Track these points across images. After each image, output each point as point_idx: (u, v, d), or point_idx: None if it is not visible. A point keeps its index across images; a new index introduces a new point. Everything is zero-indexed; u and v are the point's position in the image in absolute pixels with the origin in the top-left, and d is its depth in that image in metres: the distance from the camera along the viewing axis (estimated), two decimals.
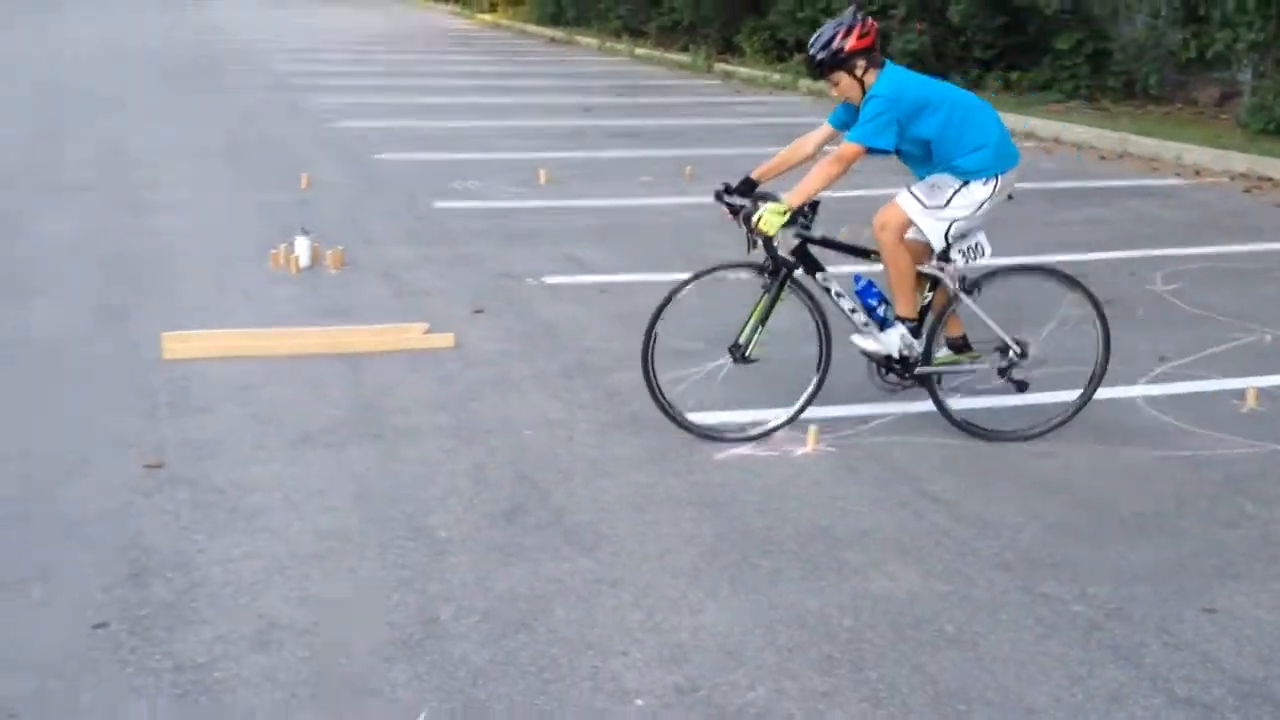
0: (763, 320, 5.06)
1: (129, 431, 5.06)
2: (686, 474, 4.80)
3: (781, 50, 20.13)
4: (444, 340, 6.38)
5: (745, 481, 4.74)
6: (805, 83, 17.43)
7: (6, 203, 9.30)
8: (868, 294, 5.14)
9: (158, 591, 3.80)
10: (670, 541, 4.23)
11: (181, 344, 6.09)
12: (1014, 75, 16.37)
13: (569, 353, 6.29)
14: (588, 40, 26.07)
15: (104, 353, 6.02)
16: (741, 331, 5.08)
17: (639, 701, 3.29)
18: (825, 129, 5.24)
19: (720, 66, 20.53)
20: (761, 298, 5.07)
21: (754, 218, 4.81)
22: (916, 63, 17.27)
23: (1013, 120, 14.84)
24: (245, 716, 3.18)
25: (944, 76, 17.12)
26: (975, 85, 16.95)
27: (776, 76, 18.93)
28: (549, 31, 28.43)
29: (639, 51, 23.30)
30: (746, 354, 5.07)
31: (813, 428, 5.11)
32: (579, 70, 21.06)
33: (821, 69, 4.97)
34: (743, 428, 5.17)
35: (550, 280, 7.73)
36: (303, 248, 7.76)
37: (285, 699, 3.26)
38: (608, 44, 25.09)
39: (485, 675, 3.40)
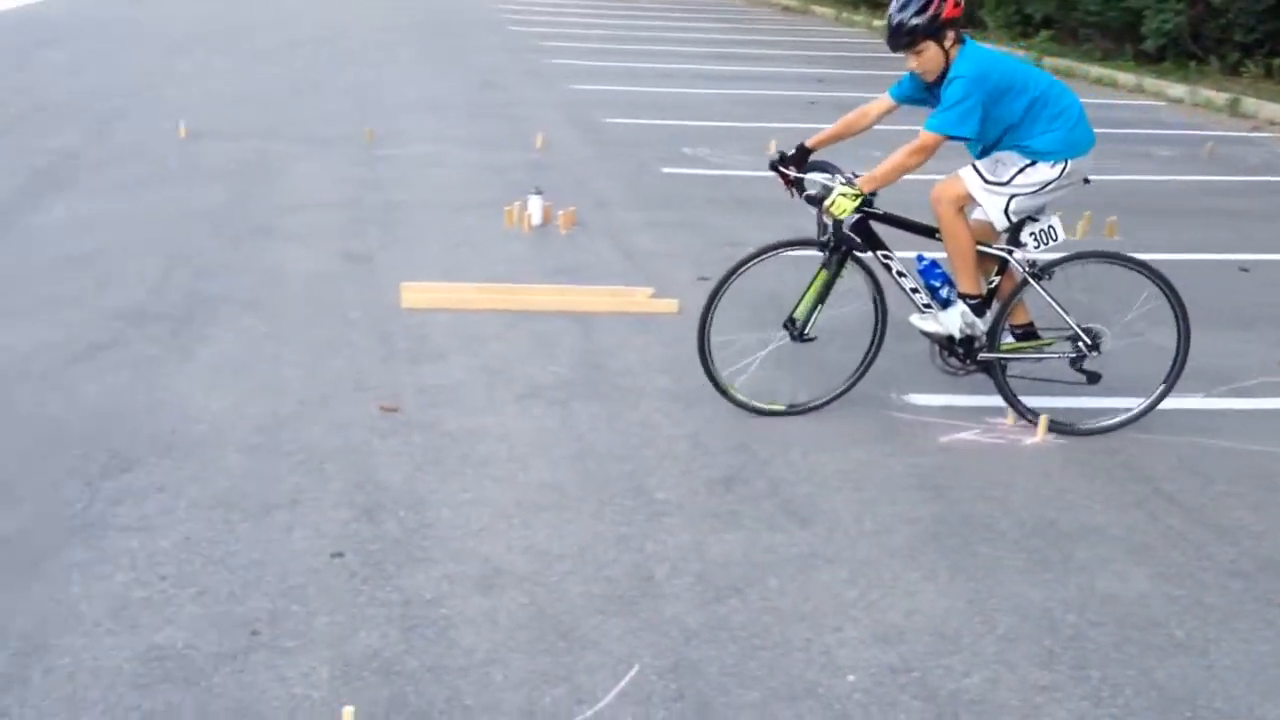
0: (821, 298, 4.94)
1: (368, 374, 5.30)
2: (907, 455, 4.73)
3: (1026, 27, 19.48)
4: (668, 305, 6.44)
5: (968, 467, 4.64)
6: (1050, 60, 16.82)
7: (270, 151, 9.82)
8: (930, 274, 4.98)
9: (390, 528, 3.98)
10: (888, 521, 4.18)
11: (420, 294, 6.32)
12: (1276, 62, 15.42)
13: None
14: (824, 10, 25.76)
15: (348, 299, 6.30)
16: (796, 307, 4.99)
17: (850, 678, 3.27)
18: (885, 101, 5.05)
19: None
20: (819, 274, 4.95)
21: (827, 201, 4.69)
22: (1172, 44, 16.46)
23: (1271, 110, 13.97)
24: (467, 654, 3.30)
25: (1201, 60, 16.29)
26: (1234, 71, 16.02)
27: (1021, 53, 18.32)
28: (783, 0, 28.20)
29: (876, 24, 22.89)
30: (804, 332, 4.96)
31: (1044, 417, 4.95)
32: (813, 40, 20.85)
33: (913, 36, 4.63)
34: (793, 406, 5.08)
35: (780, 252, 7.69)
36: (535, 207, 7.95)
37: (505, 639, 3.37)
38: (844, 14, 24.74)
39: (697, 637, 3.44)
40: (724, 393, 5.03)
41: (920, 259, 5.02)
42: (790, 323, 5.00)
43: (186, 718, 2.97)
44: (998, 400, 5.07)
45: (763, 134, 11.60)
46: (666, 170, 10.08)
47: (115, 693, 3.06)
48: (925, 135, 4.67)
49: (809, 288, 4.99)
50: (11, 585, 3.51)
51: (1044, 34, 18.80)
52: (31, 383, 4.98)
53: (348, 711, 2.90)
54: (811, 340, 5.00)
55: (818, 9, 26.09)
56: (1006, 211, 4.79)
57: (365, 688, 3.11)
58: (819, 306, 4.97)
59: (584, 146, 10.90)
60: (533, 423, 4.88)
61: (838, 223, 4.88)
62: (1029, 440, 4.90)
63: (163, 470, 4.29)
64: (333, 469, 4.38)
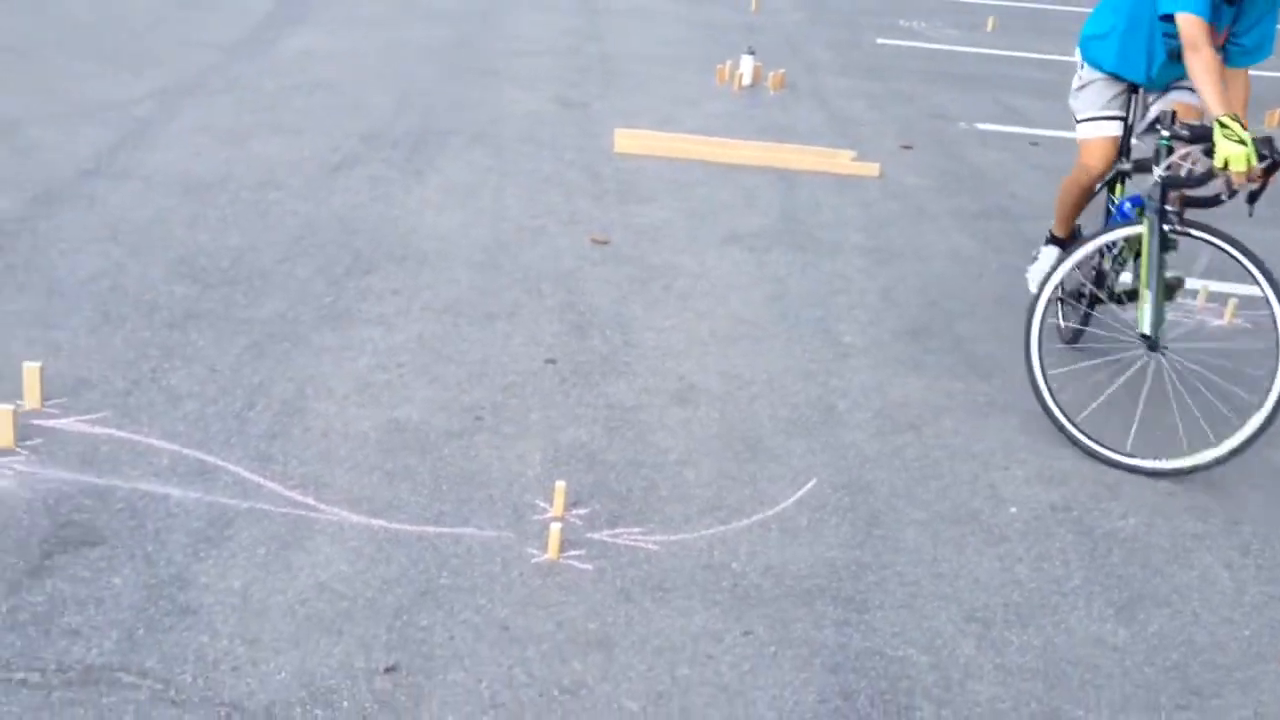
0: (1167, 291, 3.96)
1: (581, 209, 5.66)
2: None
3: None
4: (870, 169, 6.61)
5: None
6: None
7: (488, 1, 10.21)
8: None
9: (596, 344, 4.36)
10: (1064, 380, 4.36)
11: (632, 140, 6.64)
12: None
13: (991, 196, 6.38)
14: None
15: (565, 140, 6.66)
16: (1140, 315, 3.89)
17: (1013, 509, 3.53)
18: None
19: None
20: (1146, 257, 3.88)
21: (1217, 160, 3.57)
22: None
23: None
24: (662, 452, 3.68)
25: None
26: None
27: None
28: None
29: None
30: (1156, 342, 3.91)
31: (1232, 300, 5.01)
32: None
33: None
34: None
35: (982, 126, 7.76)
36: (747, 66, 8.13)
37: (697, 446, 3.73)
38: None
39: (872, 462, 3.74)
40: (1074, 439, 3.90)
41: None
42: (1143, 338, 3.92)
43: (422, 478, 3.43)
44: (1192, 281, 5.14)
45: (982, 10, 11.45)
46: (880, 41, 10.10)
47: (361, 452, 3.54)
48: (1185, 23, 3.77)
49: (1144, 284, 3.88)
50: (274, 357, 4.02)
51: None
52: (286, 190, 5.50)
53: (559, 486, 3.30)
54: (1165, 351, 3.99)
55: None
56: None
57: (572, 472, 3.51)
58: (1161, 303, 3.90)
59: (799, 11, 10.95)
60: (732, 264, 5.19)
61: (1165, 188, 3.86)
62: (1216, 323, 4.98)
63: (399, 276, 4.75)
64: (547, 288, 4.78)
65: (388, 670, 2.69)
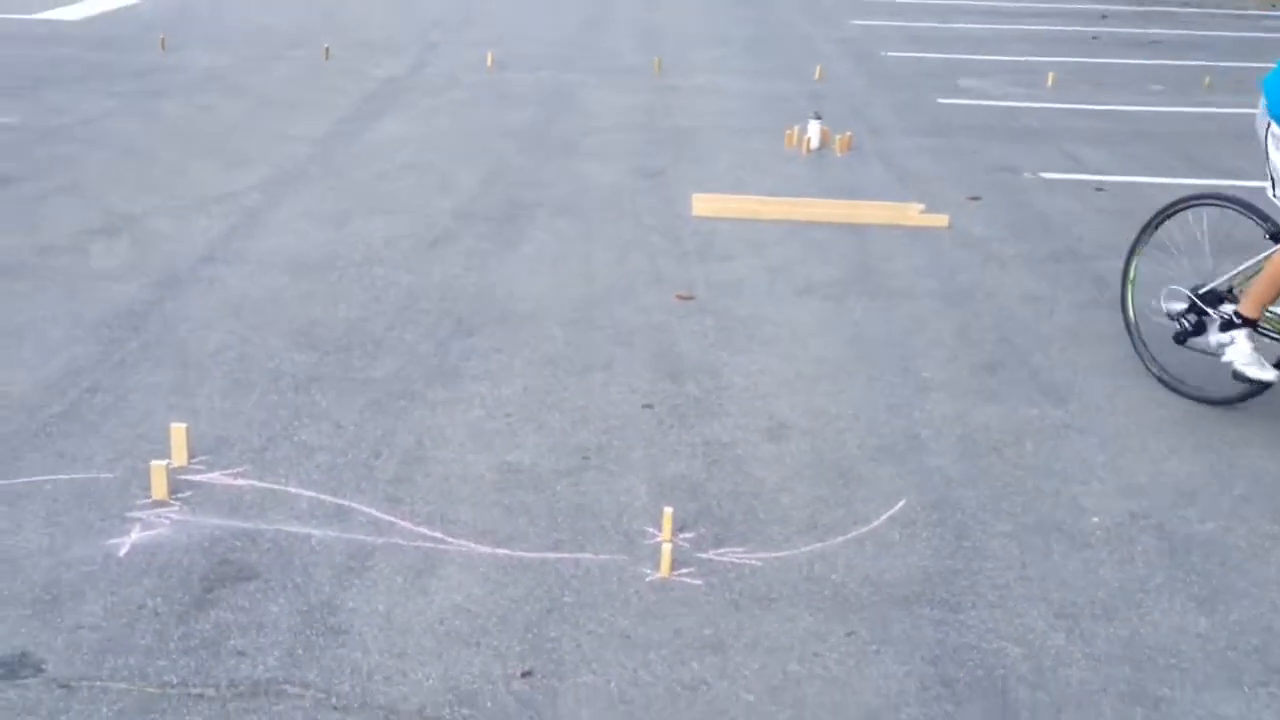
0: None
1: (665, 270, 5.98)
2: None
3: None
4: (939, 220, 6.86)
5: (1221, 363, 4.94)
6: None
7: (567, 80, 10.67)
8: None
9: (690, 389, 4.64)
10: (1140, 404, 4.57)
11: (708, 203, 6.97)
12: None
13: (1058, 240, 6.60)
14: None
15: (644, 207, 7.00)
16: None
17: (1095, 519, 3.73)
18: None
19: None
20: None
21: None
22: None
23: None
24: (759, 483, 3.93)
25: None
26: None
27: None
28: None
29: None
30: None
31: None
32: None
33: None
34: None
35: (1047, 175, 7.99)
36: (814, 131, 8.46)
37: (791, 475, 3.98)
38: None
39: (957, 482, 3.96)
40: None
41: None
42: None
43: (538, 512, 3.71)
44: None
45: (1041, 67, 11.72)
46: (941, 100, 10.39)
47: (481, 492, 3.83)
48: None
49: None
50: (393, 413, 4.34)
51: None
52: (388, 265, 5.88)
53: (667, 512, 3.57)
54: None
55: None
56: None
57: (677, 501, 3.77)
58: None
59: (861, 78, 11.30)
60: (810, 312, 5.45)
61: None
62: None
63: (499, 336, 5.08)
64: (639, 341, 5.08)
65: (524, 675, 2.96)
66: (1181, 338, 4.70)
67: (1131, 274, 5.02)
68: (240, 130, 8.54)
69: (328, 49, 11.42)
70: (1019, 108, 10.11)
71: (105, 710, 2.77)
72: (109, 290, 5.40)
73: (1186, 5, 16.87)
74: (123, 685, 2.86)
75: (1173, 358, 4.77)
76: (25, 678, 2.87)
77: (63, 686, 2.85)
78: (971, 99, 10.47)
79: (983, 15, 15.40)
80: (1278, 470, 4.06)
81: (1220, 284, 4.67)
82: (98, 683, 2.86)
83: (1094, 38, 14.04)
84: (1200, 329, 4.64)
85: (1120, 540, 3.61)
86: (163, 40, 11.40)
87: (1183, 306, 4.71)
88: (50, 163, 7.41)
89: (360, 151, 8.06)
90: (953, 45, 13.15)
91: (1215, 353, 4.53)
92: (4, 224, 6.24)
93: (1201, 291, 4.67)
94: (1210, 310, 4.60)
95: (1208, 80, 11.03)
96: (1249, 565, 3.50)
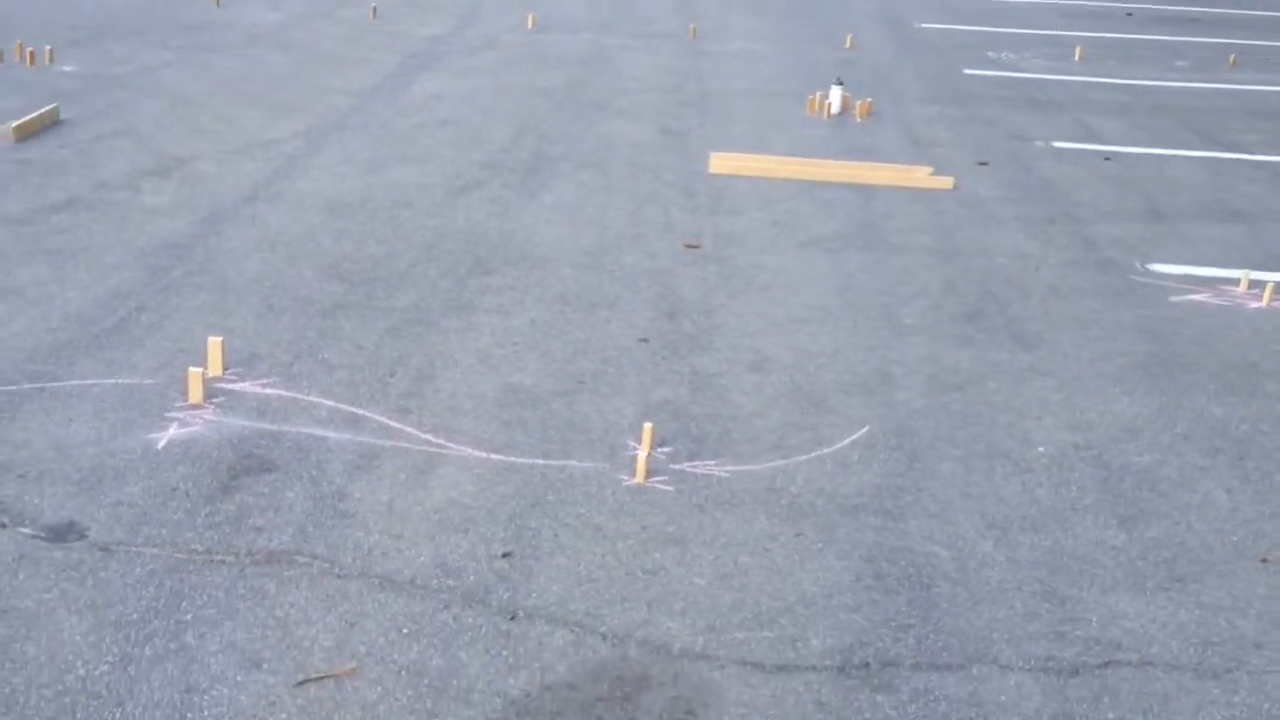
0: None
1: (676, 220, 6.33)
2: (1138, 307, 5.37)
3: None
4: (944, 182, 7.17)
5: (1191, 319, 5.25)
6: None
7: (604, 44, 11.01)
8: None
9: (685, 326, 5.01)
10: (1104, 353, 4.88)
11: (725, 162, 7.31)
12: None
13: (1057, 204, 6.89)
14: None
15: (664, 163, 7.36)
16: None
17: (1040, 449, 4.07)
18: None
19: None
20: None
21: None
22: None
23: None
24: (737, 407, 4.30)
25: None
26: None
27: None
28: None
29: None
30: None
31: (1270, 284, 5.46)
32: None
33: None
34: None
35: (1058, 144, 8.25)
36: (835, 96, 8.76)
37: (767, 402, 4.34)
38: None
39: (919, 414, 4.30)
40: None
41: None
42: None
43: (532, 426, 4.10)
44: (1234, 271, 5.60)
45: (1071, 41, 11.91)
46: (968, 71, 10.64)
47: (483, 407, 4.23)
48: None
49: None
50: (409, 337, 4.74)
51: None
52: (417, 209, 6.28)
53: (647, 427, 3.94)
54: None
55: None
56: None
57: (659, 421, 4.15)
58: None
59: (891, 47, 11.55)
60: (808, 264, 5.80)
61: None
62: (1254, 305, 5.43)
63: (514, 275, 5.46)
64: (644, 284, 5.45)
65: (504, 555, 3.35)
66: None
67: None
68: (287, 83, 8.97)
69: (375, 8, 11.82)
70: (1043, 79, 10.33)
71: (139, 570, 3.20)
72: (158, 224, 5.84)
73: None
74: (154, 550, 3.29)
75: None
76: (71, 541, 3.31)
77: (102, 550, 3.28)
78: (997, 70, 10.71)
79: None
80: (1222, 414, 4.38)
81: None
82: (132, 548, 3.29)
83: (1128, 14, 14.17)
84: None
85: (1060, 468, 3.95)
86: None
87: None
88: (109, 109, 7.87)
89: (400, 105, 8.46)
90: (987, 18, 13.34)
91: None
92: (66, 163, 6.70)
93: None
94: None
95: (1233, 58, 11.18)
96: (1175, 493, 3.83)
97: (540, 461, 3.86)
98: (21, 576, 3.15)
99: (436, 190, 6.61)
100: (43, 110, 7.40)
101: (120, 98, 8.17)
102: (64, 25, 10.35)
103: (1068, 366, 4.73)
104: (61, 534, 3.34)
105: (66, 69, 8.88)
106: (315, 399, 4.21)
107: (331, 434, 3.97)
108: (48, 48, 9.10)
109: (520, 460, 3.86)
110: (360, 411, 4.13)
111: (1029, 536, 3.54)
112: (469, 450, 3.91)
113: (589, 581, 3.26)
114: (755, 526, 3.54)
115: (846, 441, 4.08)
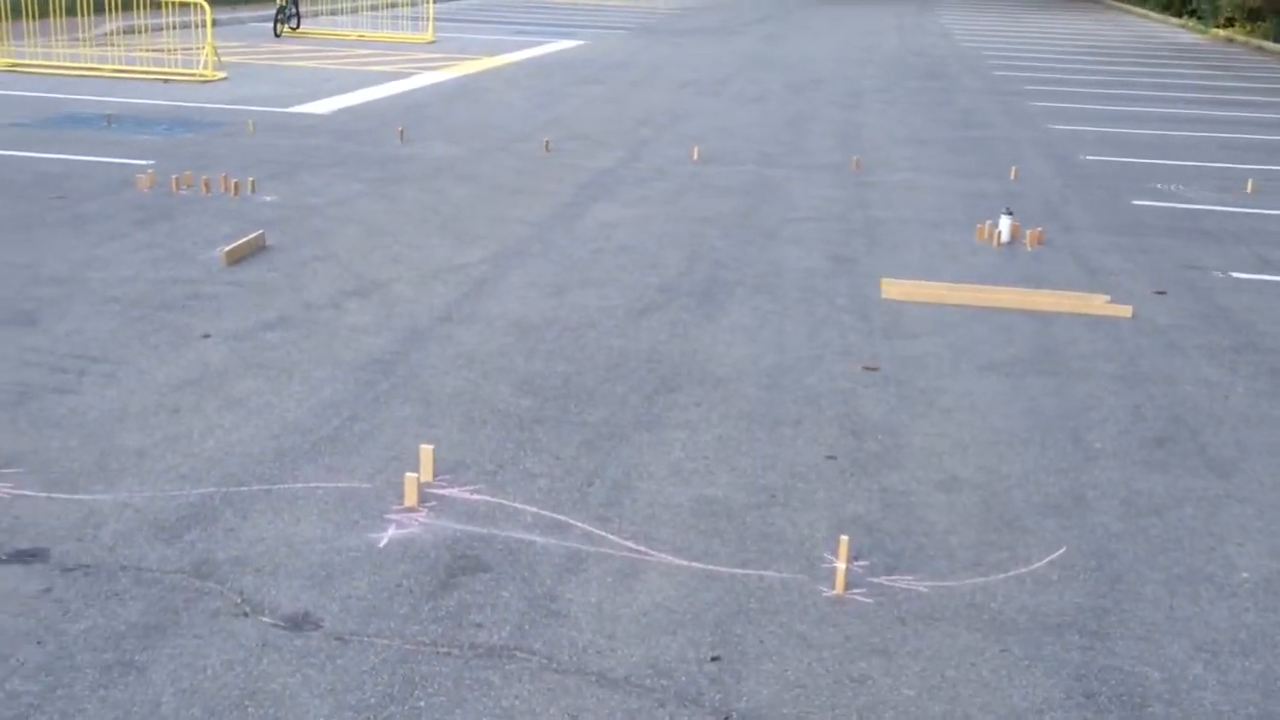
0: None
1: (853, 344, 6.46)
2: None
3: None
4: (1123, 311, 7.16)
5: None
6: None
7: (768, 175, 11.32)
8: None
9: (870, 446, 5.09)
10: None
11: (897, 288, 7.43)
12: None
13: (1241, 333, 6.82)
14: None
15: (837, 289, 7.51)
16: None
17: (1244, 574, 4.03)
18: None
19: None
20: None
21: None
22: None
23: None
24: (929, 525, 4.35)
25: None
26: None
27: None
28: None
29: None
30: None
31: None
32: None
33: None
34: None
35: (1237, 275, 8.17)
36: (1005, 225, 8.84)
37: (960, 521, 4.38)
38: None
39: (1117, 537, 4.30)
40: None
41: None
42: None
43: (729, 536, 4.22)
44: None
45: (1241, 174, 11.82)
46: (1137, 202, 10.62)
47: (678, 517, 4.36)
48: None
49: None
50: (604, 450, 4.93)
51: None
52: (600, 330, 6.53)
53: (844, 539, 4.02)
54: None
55: None
56: None
57: (853, 535, 4.22)
58: None
59: (1057, 178, 11.60)
60: (990, 387, 5.85)
61: None
62: None
63: (698, 393, 5.63)
64: (826, 404, 5.56)
65: (714, 659, 3.45)
66: None
67: None
68: (470, 212, 9.43)
69: (548, 142, 12.35)
70: (1214, 210, 10.26)
71: (372, 658, 3.39)
72: (362, 341, 6.19)
73: None
74: (385, 641, 3.47)
75: None
76: (308, 630, 3.51)
77: (337, 639, 3.48)
78: (1167, 201, 10.67)
79: (1183, 123, 15.47)
80: None
81: None
82: (365, 638, 3.49)
83: None
84: None
85: (1267, 593, 3.90)
86: (401, 133, 12.54)
87: None
88: (309, 235, 8.39)
89: (577, 233, 8.81)
90: (1152, 151, 13.31)
91: None
92: (274, 285, 7.15)
93: None
94: None
95: None
96: None
97: (740, 571, 3.97)
98: (265, 662, 3.36)
99: (618, 312, 6.86)
100: (250, 236, 7.93)
101: (319, 225, 8.70)
102: (260, 160, 11.06)
103: (1266, 494, 4.67)
104: (299, 623, 3.55)
105: (268, 199, 9.49)
106: (520, 505, 4.40)
107: (538, 538, 4.14)
108: (251, 179, 9.75)
109: (720, 569, 3.98)
110: (563, 518, 4.31)
111: (1240, 660, 3.50)
112: (670, 558, 4.04)
113: (798, 687, 3.33)
114: (959, 641, 3.58)
115: (1044, 561, 4.09)
